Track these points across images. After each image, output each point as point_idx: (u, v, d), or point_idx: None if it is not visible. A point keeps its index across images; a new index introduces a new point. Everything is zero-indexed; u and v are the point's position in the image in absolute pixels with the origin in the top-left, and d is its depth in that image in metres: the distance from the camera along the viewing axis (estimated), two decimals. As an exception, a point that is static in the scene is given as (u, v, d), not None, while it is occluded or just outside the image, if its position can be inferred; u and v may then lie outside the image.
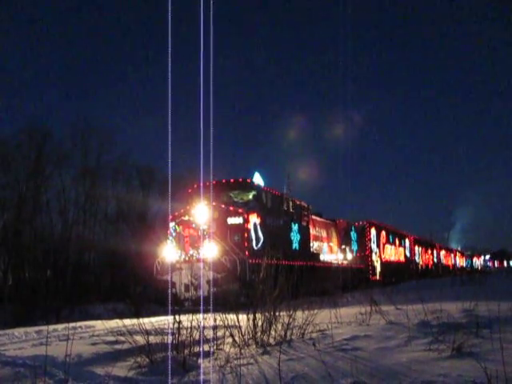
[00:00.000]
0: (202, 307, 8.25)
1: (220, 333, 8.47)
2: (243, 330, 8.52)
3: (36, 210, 30.40)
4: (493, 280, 27.41)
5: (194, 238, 18.09)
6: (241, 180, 21.28)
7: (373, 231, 36.62)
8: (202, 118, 6.90)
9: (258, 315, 8.68)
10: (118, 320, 10.97)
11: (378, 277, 35.68)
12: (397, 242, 43.91)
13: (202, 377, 6.26)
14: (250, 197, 20.86)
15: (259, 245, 19.52)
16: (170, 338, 7.33)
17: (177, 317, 7.56)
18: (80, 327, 12.29)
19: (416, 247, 51.36)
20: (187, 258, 17.90)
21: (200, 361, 7.08)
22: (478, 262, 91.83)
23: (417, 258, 51.49)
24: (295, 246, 23.29)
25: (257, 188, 21.13)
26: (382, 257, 38.18)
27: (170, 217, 19.65)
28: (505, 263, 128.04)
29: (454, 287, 22.55)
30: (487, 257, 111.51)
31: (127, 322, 8.72)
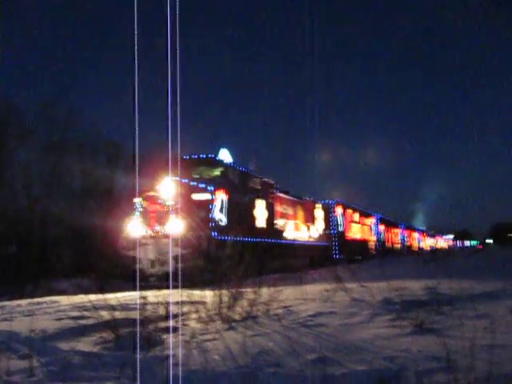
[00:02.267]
0: (170, 283, 8.26)
1: (185, 308, 8.50)
2: (209, 306, 8.55)
3: (-1, 185, 29.90)
4: (455, 259, 27.95)
5: (160, 214, 18.03)
6: (208, 156, 21.23)
7: (339, 210, 36.90)
8: (170, 94, 6.85)
9: (224, 291, 8.72)
10: (83, 295, 10.94)
11: (343, 254, 36.04)
12: (363, 220, 44.39)
13: (167, 352, 6.28)
14: (217, 173, 20.83)
15: (225, 221, 19.53)
16: (138, 312, 7.33)
17: (142, 292, 7.56)
18: (45, 302, 12.19)
19: (382, 226, 51.99)
20: (153, 234, 17.85)
21: (165, 336, 7.10)
22: (441, 241, 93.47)
23: (382, 237, 52.15)
24: (261, 222, 23.35)
25: (224, 164, 21.10)
26: (348, 235, 38.56)
27: (136, 192, 19.53)
28: (467, 242, 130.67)
29: (418, 265, 22.94)
30: (450, 236, 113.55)
31: (92, 297, 8.70)
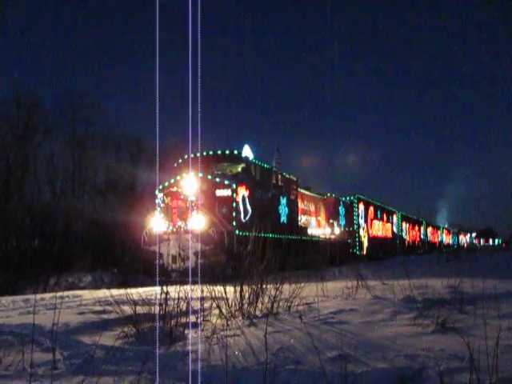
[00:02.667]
0: (190, 278, 8.28)
1: (207, 304, 8.51)
2: (230, 302, 8.56)
3: (24, 179, 30.24)
4: (478, 257, 27.68)
5: (182, 210, 18.08)
6: (230, 152, 21.25)
7: (361, 206, 36.77)
8: (190, 90, 6.86)
9: (245, 287, 8.72)
10: (105, 290, 11.04)
11: (365, 252, 35.93)
12: (384, 217, 44.16)
13: (189, 347, 6.30)
14: (239, 169, 20.85)
15: (247, 217, 19.56)
16: (158, 308, 7.36)
17: (164, 287, 7.58)
18: (67, 296, 12.32)
19: (403, 223, 51.67)
20: (175, 230, 17.91)
21: (186, 331, 7.12)
22: (464, 239, 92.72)
23: (404, 234, 51.83)
24: (283, 219, 23.36)
25: (246, 160, 21.11)
26: (370, 232, 38.40)
27: (159, 188, 19.63)
28: (490, 241, 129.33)
29: (440, 264, 22.76)
30: (473, 234, 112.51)
31: (114, 291, 8.75)
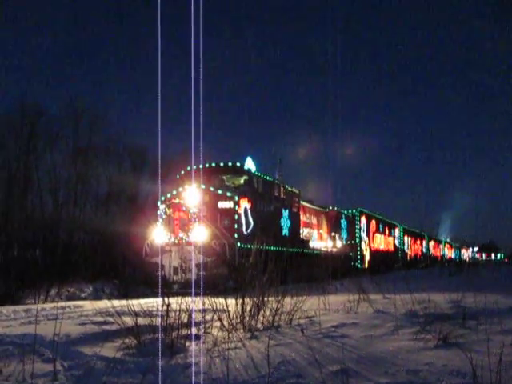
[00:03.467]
0: (192, 290, 8.26)
1: (208, 316, 8.49)
2: (231, 315, 8.54)
3: (26, 189, 30.21)
4: (480, 272, 27.60)
5: (184, 221, 18.05)
6: (233, 164, 21.25)
7: (363, 220, 36.72)
8: (193, 101, 6.87)
9: (247, 300, 8.70)
10: (106, 301, 11.00)
11: (366, 265, 35.83)
12: (386, 231, 44.07)
13: (190, 360, 6.28)
14: (242, 181, 20.85)
15: (249, 230, 19.53)
16: (159, 320, 7.34)
17: (166, 299, 7.57)
18: (69, 307, 12.30)
19: (405, 237, 51.57)
20: (177, 241, 17.87)
21: (187, 344, 7.10)
22: (466, 253, 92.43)
23: (406, 248, 51.71)
24: (285, 231, 23.32)
25: (248, 173, 21.11)
26: (372, 246, 38.33)
27: (161, 199, 19.62)
28: (492, 256, 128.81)
29: (442, 278, 22.71)
30: (475, 249, 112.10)
31: (116, 303, 8.74)
